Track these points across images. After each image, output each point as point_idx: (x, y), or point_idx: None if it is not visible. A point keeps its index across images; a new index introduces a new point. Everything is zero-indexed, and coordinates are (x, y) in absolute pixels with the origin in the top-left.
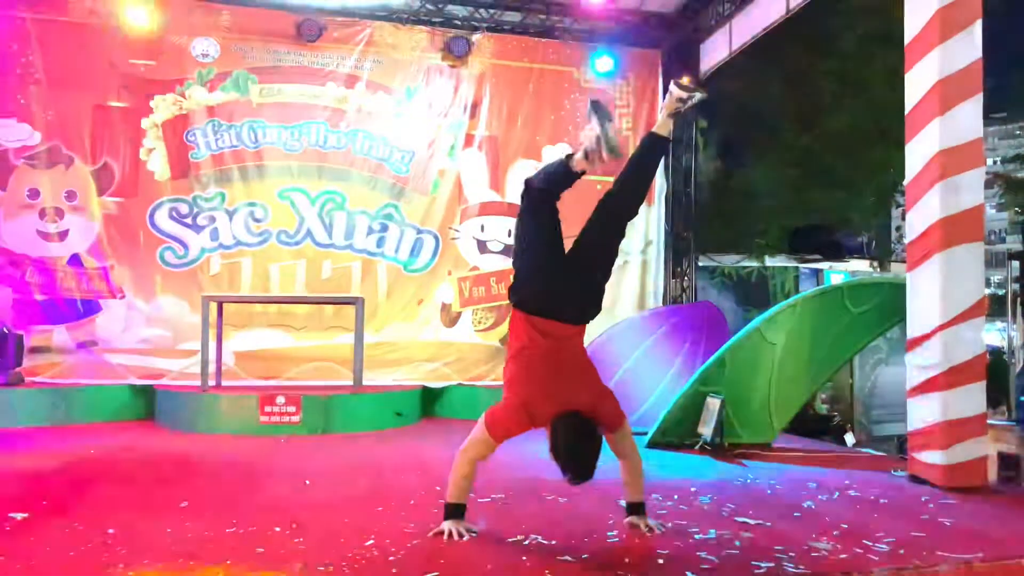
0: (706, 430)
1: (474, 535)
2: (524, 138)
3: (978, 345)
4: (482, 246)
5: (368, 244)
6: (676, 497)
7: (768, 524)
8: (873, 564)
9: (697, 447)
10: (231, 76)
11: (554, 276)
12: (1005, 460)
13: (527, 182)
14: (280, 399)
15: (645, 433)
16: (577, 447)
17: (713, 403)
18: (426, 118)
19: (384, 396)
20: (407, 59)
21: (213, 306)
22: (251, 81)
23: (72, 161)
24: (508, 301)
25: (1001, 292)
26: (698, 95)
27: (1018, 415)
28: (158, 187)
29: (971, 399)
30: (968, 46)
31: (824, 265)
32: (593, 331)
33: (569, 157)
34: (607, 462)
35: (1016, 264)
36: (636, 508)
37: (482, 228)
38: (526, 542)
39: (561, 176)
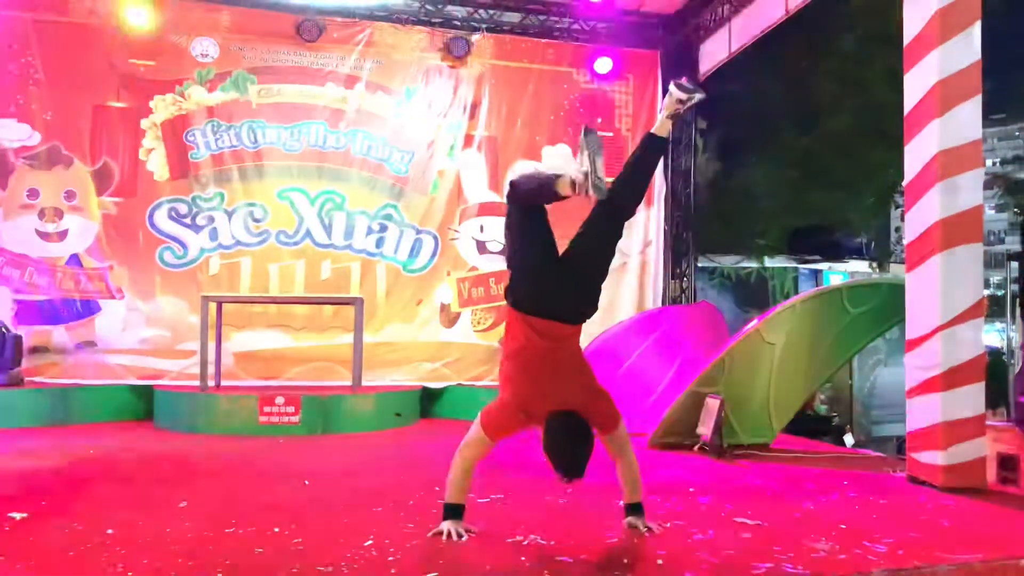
0: (705, 431)
1: (473, 535)
2: (523, 139)
3: (977, 346)
4: (481, 246)
5: (367, 244)
6: (675, 498)
7: (767, 525)
8: (872, 565)
9: (696, 448)
10: (231, 76)
11: (549, 276)
12: (1004, 461)
13: (512, 184)
14: (279, 399)
15: (644, 434)
16: (570, 446)
17: (712, 404)
18: (425, 118)
19: (383, 396)
20: (407, 59)
21: (212, 306)
22: (250, 81)
23: (71, 161)
24: (505, 301)
25: (1000, 293)
26: (697, 96)
27: (1017, 416)
28: (157, 187)
29: (970, 400)
30: (967, 47)
31: (823, 266)
32: (592, 331)
33: (558, 178)
34: (607, 462)
35: (1015, 265)
36: (634, 509)
37: (481, 229)
38: (525, 542)
39: (546, 192)
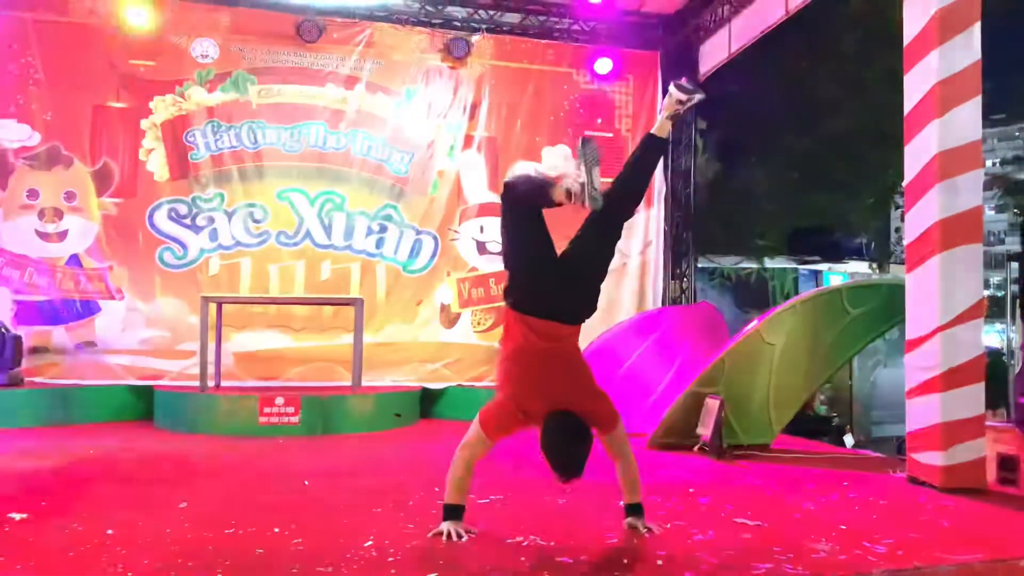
0: (705, 431)
1: (473, 536)
2: (523, 139)
3: (977, 346)
4: (481, 247)
5: (367, 245)
6: (675, 498)
7: (767, 525)
8: (872, 565)
9: (696, 448)
10: (231, 77)
11: (547, 276)
12: (1004, 461)
13: (507, 185)
14: (279, 400)
15: (644, 434)
16: (567, 445)
17: (712, 404)
18: (425, 119)
19: (383, 397)
20: (407, 60)
21: (212, 307)
22: (250, 82)
23: (71, 162)
24: (504, 302)
25: (1000, 293)
26: (697, 96)
27: (1017, 416)
28: (157, 188)
29: (970, 400)
30: (967, 48)
31: (823, 266)
32: (592, 332)
33: (554, 184)
34: (606, 462)
35: (1015, 265)
36: (634, 509)
37: (481, 229)
38: (525, 543)
39: (541, 198)
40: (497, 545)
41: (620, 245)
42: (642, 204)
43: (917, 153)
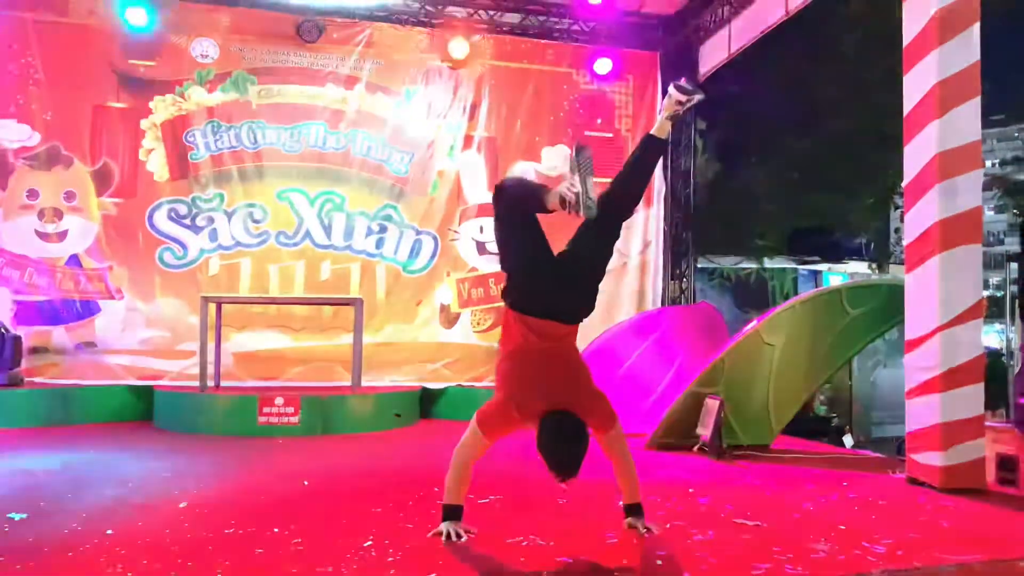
0: (705, 431)
1: (472, 536)
2: (523, 139)
3: (976, 347)
4: (481, 247)
5: (367, 245)
6: (674, 498)
7: (766, 525)
8: (871, 565)
9: (696, 448)
10: (230, 77)
11: (544, 275)
12: (1003, 462)
13: (499, 189)
14: (279, 400)
15: (644, 434)
16: (564, 445)
17: (712, 404)
18: (425, 119)
19: (383, 397)
20: (407, 60)
21: (212, 307)
22: (250, 82)
23: (71, 162)
24: (503, 302)
25: (1000, 294)
26: (696, 97)
27: (1016, 417)
28: (157, 188)
29: (969, 401)
30: (966, 48)
31: (823, 267)
32: (592, 332)
33: (547, 190)
34: (606, 462)
35: (1014, 266)
36: (633, 509)
37: (481, 229)
38: (524, 543)
39: (533, 203)
40: (496, 545)
41: (620, 245)
42: (642, 204)
43: (916, 153)
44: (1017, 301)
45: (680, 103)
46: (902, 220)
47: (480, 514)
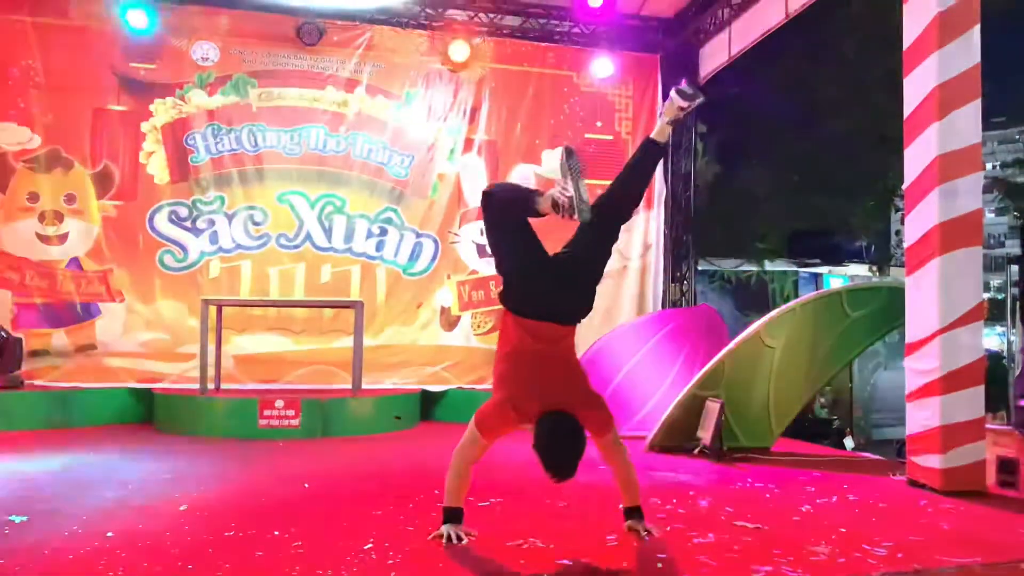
0: (705, 434)
1: (472, 538)
2: (523, 142)
3: (977, 349)
4: (481, 250)
5: (367, 248)
6: (675, 500)
7: (767, 528)
8: (871, 568)
9: (696, 451)
10: (231, 80)
11: (540, 278)
12: (1004, 464)
13: (487, 195)
14: (279, 403)
15: (644, 437)
16: (560, 445)
17: (712, 407)
18: (426, 122)
19: (383, 400)
20: (407, 63)
21: (212, 309)
22: (251, 85)
23: (72, 164)
24: (500, 306)
25: (1000, 296)
26: (698, 100)
27: (1017, 419)
28: (158, 191)
29: (970, 403)
30: (967, 51)
31: (823, 269)
32: (593, 335)
33: (539, 194)
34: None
35: (1015, 268)
36: (633, 512)
37: (481, 232)
38: (524, 545)
39: (524, 209)
40: (497, 548)
41: (620, 248)
42: (642, 207)
43: (917, 156)
44: (1018, 304)
45: (682, 108)
46: (903, 222)
47: (480, 516)
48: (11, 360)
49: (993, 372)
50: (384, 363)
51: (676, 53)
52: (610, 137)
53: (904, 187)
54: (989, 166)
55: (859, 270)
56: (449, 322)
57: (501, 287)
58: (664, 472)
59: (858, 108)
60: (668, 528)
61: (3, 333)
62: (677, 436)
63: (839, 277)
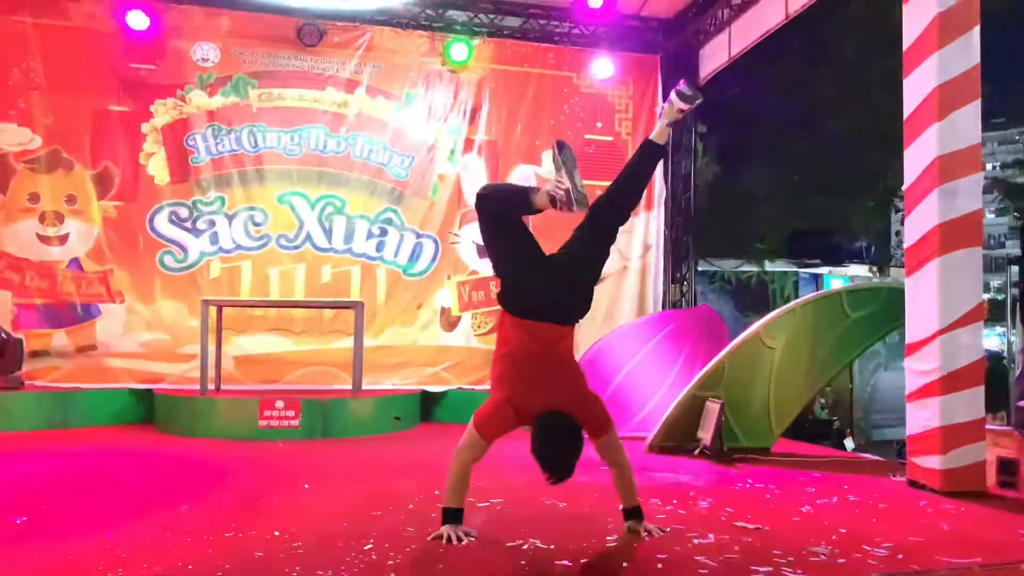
0: (705, 435)
1: (472, 539)
2: (524, 143)
3: (977, 350)
4: (481, 250)
5: (367, 248)
6: (675, 501)
7: (767, 528)
8: (871, 569)
9: (696, 451)
10: (231, 80)
11: (538, 279)
12: (1004, 465)
13: (481, 197)
14: (279, 403)
15: (644, 437)
16: (558, 445)
17: (712, 407)
18: (426, 123)
19: (383, 400)
20: (407, 64)
21: (212, 310)
22: (251, 85)
23: (72, 165)
24: (499, 307)
25: (1000, 297)
26: (697, 101)
27: (1017, 420)
28: (158, 191)
29: (970, 404)
30: (967, 51)
31: (823, 270)
32: (593, 336)
33: (534, 191)
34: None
35: (1015, 269)
36: (633, 513)
37: None
38: (525, 546)
39: (520, 207)
40: (497, 549)
41: (620, 249)
42: (642, 208)
43: (917, 157)
44: (1018, 304)
45: (682, 111)
46: (903, 223)
47: (481, 517)
48: (11, 361)
49: (993, 373)
50: (384, 364)
51: (676, 54)
52: (610, 138)
53: (904, 188)
54: (989, 167)
55: (859, 270)
56: (449, 323)
57: (498, 288)
58: (664, 473)
59: (858, 108)
60: (668, 529)
61: (3, 334)
62: (677, 437)
63: (839, 278)
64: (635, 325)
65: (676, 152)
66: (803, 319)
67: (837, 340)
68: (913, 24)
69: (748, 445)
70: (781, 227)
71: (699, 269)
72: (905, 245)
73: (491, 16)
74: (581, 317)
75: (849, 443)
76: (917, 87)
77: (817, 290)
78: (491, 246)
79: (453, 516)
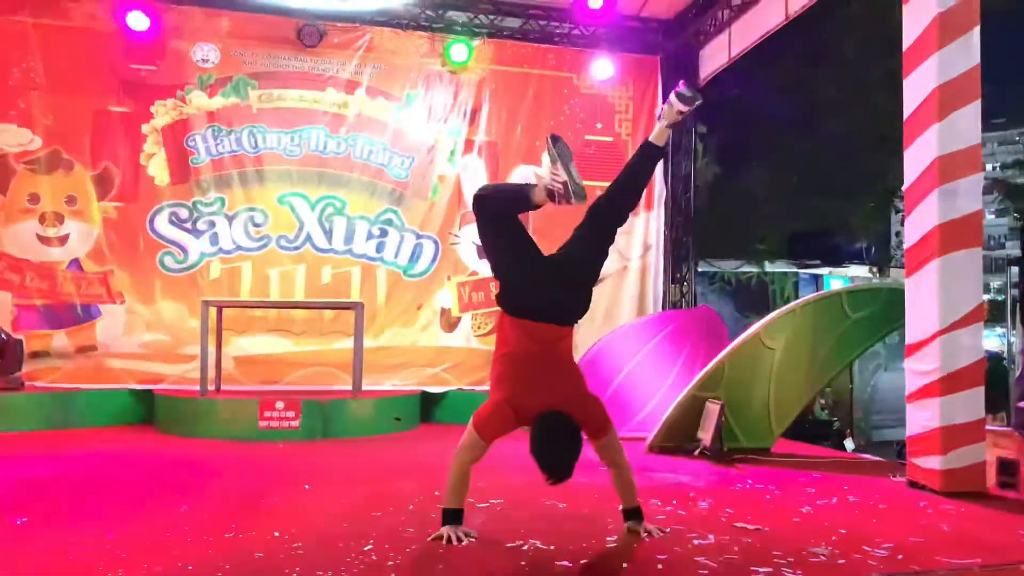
0: (705, 435)
1: (472, 540)
2: (524, 143)
3: (977, 351)
4: (481, 251)
5: (368, 249)
6: (675, 502)
7: (767, 529)
8: (871, 569)
9: (696, 452)
10: (231, 81)
11: (536, 280)
12: (1004, 466)
13: (478, 198)
14: (279, 404)
15: (644, 438)
16: (556, 446)
17: (712, 408)
18: (426, 123)
19: (383, 401)
20: (407, 65)
21: (213, 311)
22: (251, 86)
23: (72, 166)
24: (498, 308)
25: (1001, 298)
26: (696, 103)
27: (1017, 421)
28: (158, 192)
29: (970, 405)
30: (967, 52)
31: (824, 270)
32: (593, 336)
33: (532, 187)
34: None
35: (1015, 270)
36: (632, 514)
37: None
38: (525, 547)
39: (519, 204)
40: (497, 549)
41: (620, 249)
42: (642, 208)
43: (917, 157)
44: (1018, 305)
45: (681, 113)
46: (902, 224)
47: (481, 518)
48: (12, 361)
49: (993, 374)
50: (384, 364)
51: (676, 54)
52: (610, 139)
53: (904, 188)
54: (989, 167)
55: (859, 271)
56: (449, 323)
57: (497, 289)
58: (664, 473)
59: (858, 109)
60: (668, 530)
61: (3, 334)
62: (677, 437)
63: (839, 278)
64: (635, 325)
65: (676, 153)
66: (803, 320)
67: (837, 341)
68: (913, 24)
69: (748, 446)
70: (781, 228)
71: (699, 270)
72: (905, 246)
73: (491, 17)
74: (580, 318)
75: (849, 444)
76: (917, 87)
77: (817, 291)
78: (489, 247)
79: (453, 517)
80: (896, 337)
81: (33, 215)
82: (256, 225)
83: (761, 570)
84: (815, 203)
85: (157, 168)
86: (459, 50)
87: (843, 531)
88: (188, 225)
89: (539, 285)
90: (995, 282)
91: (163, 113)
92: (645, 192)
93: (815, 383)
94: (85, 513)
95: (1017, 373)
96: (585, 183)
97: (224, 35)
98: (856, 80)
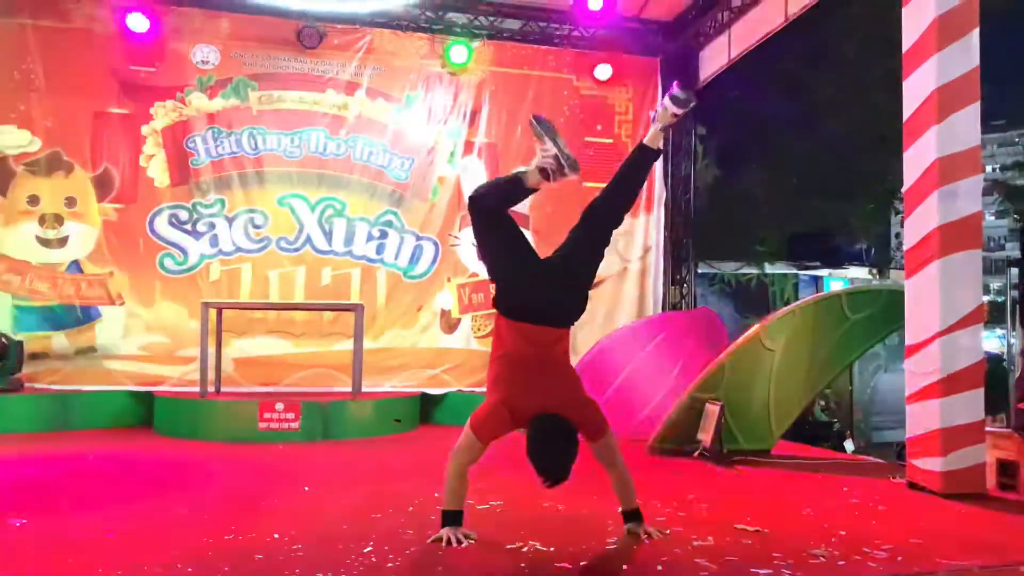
0: (705, 436)
1: (472, 541)
2: (523, 145)
3: (976, 352)
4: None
5: (367, 251)
6: (675, 503)
7: (767, 531)
8: (871, 570)
9: (696, 454)
10: (231, 83)
11: (532, 281)
12: (1004, 467)
13: (474, 199)
14: (279, 406)
15: (644, 439)
16: (553, 447)
17: (712, 409)
18: (426, 125)
19: (383, 403)
20: (407, 66)
21: (212, 312)
22: (251, 88)
23: (72, 167)
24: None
25: (1000, 299)
26: (691, 105)
27: (1017, 422)
28: (158, 194)
29: (969, 406)
30: (966, 54)
31: (823, 272)
32: (592, 338)
33: (523, 172)
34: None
35: (1015, 271)
36: (632, 516)
37: None
38: (524, 549)
39: (515, 192)
40: (497, 551)
41: (620, 250)
42: (642, 210)
43: (916, 159)
44: (1018, 306)
45: (675, 115)
46: (902, 225)
47: (480, 519)
48: (11, 363)
49: (993, 375)
50: (384, 366)
51: (676, 56)
52: (610, 140)
53: (904, 190)
54: (989, 169)
55: (859, 273)
56: (449, 325)
57: (494, 291)
58: (664, 474)
59: (858, 109)
60: (668, 531)
61: (3, 336)
62: (677, 439)
63: (839, 280)
64: (635, 327)
65: (676, 154)
66: (803, 321)
67: (837, 342)
68: (912, 26)
69: (748, 447)
70: (781, 229)
71: (699, 271)
72: (905, 247)
73: (491, 18)
74: (576, 319)
75: (849, 445)
76: (916, 89)
77: (817, 292)
78: (485, 249)
79: (452, 518)
80: (896, 338)
81: (33, 217)
82: (256, 227)
83: (761, 572)
84: (815, 204)
85: (157, 170)
86: (459, 51)
87: (843, 532)
88: (188, 227)
89: (535, 287)
90: (995, 283)
91: (163, 115)
92: (645, 193)
93: (815, 384)
94: (85, 514)
95: (1017, 374)
96: (586, 185)
97: (224, 37)
98: (856, 80)
